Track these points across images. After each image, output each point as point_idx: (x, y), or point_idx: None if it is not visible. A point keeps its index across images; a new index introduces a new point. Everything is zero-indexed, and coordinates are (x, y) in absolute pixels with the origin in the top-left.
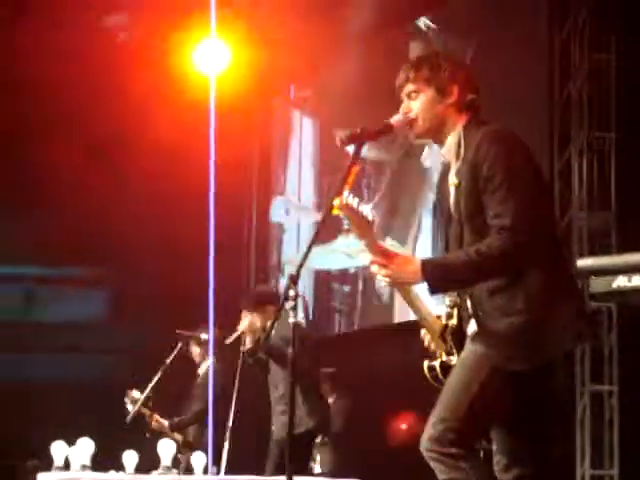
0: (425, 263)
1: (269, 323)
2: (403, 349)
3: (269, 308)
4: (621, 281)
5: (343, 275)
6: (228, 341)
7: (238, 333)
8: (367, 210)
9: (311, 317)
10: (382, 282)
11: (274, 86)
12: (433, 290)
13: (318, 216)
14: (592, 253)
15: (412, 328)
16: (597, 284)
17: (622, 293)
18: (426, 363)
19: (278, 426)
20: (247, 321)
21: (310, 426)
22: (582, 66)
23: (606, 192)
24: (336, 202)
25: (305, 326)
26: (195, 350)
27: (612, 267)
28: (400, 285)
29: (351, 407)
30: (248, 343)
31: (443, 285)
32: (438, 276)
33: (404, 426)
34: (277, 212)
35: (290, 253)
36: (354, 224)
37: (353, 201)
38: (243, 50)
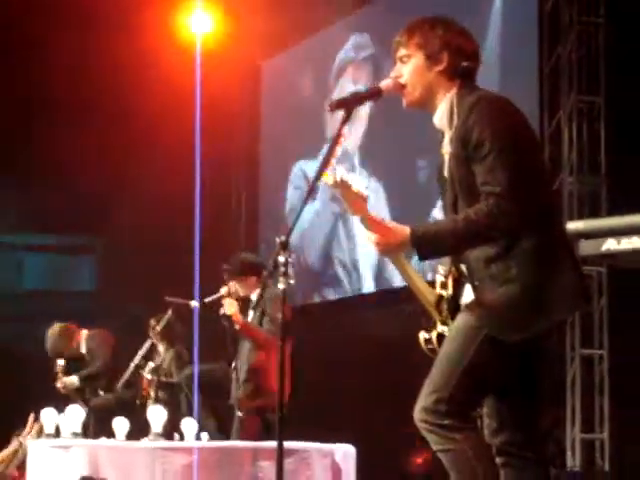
0: (414, 230)
1: (253, 295)
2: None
3: (251, 279)
4: (610, 244)
5: None
6: (207, 300)
7: (218, 295)
8: (361, 185)
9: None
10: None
11: (262, 50)
12: (422, 257)
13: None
14: (582, 216)
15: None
16: (587, 247)
17: (611, 256)
18: (422, 335)
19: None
20: (228, 287)
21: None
22: (571, 30)
23: (596, 156)
24: (330, 179)
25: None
26: None
27: (602, 230)
28: (392, 254)
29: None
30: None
31: (432, 252)
32: (426, 243)
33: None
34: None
35: None
36: (347, 201)
37: (347, 177)
38: (230, 14)
